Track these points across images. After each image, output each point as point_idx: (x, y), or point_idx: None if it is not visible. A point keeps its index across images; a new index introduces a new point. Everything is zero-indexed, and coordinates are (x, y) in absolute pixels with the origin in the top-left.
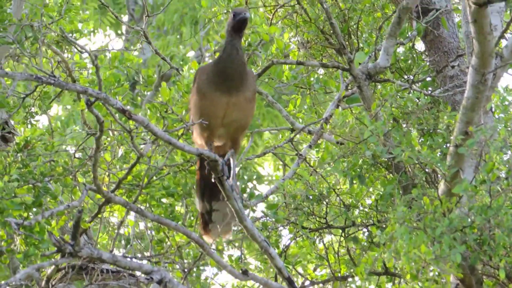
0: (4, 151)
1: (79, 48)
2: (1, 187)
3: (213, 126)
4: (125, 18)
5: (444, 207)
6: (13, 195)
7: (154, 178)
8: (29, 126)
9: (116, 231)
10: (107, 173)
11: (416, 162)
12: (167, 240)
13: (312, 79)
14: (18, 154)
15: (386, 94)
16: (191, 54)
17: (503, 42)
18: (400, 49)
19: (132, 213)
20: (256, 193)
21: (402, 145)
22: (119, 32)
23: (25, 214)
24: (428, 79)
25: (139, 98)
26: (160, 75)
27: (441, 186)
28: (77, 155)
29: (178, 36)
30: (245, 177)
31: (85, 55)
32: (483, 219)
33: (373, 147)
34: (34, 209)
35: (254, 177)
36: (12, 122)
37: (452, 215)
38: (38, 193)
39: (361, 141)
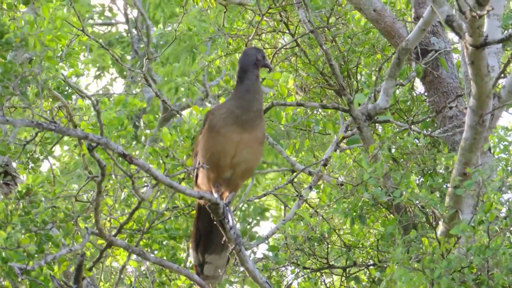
0: (6, 199)
1: (79, 93)
2: (4, 237)
3: (221, 166)
4: (129, 57)
5: (443, 248)
6: (16, 245)
7: (156, 222)
8: (31, 171)
9: (118, 275)
10: (108, 219)
11: (414, 204)
12: (169, 282)
13: (312, 119)
14: (20, 201)
15: (383, 136)
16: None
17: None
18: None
19: (134, 257)
20: (257, 229)
21: (401, 187)
22: (122, 70)
23: (28, 262)
24: (428, 119)
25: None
26: (163, 113)
27: (441, 227)
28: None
29: (178, 64)
30: (248, 217)
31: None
32: (481, 260)
33: (372, 189)
34: (36, 256)
35: (259, 211)
36: (14, 164)
37: (450, 256)
38: (40, 241)
39: (360, 183)
